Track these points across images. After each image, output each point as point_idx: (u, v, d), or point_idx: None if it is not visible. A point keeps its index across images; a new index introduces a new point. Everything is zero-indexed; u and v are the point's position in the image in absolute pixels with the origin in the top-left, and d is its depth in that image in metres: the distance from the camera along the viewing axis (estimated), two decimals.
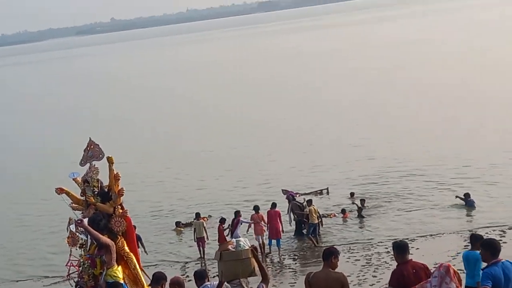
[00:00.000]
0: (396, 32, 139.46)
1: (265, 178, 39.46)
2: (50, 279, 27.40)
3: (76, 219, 11.94)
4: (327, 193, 34.94)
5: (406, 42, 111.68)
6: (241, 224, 26.35)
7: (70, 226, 11.95)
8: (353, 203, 31.78)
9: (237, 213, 26.91)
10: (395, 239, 25.27)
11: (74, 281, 12.33)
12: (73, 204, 12.73)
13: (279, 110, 62.76)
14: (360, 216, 30.02)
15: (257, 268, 10.75)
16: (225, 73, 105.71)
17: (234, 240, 11.56)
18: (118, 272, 11.73)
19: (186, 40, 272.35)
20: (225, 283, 10.60)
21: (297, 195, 31.70)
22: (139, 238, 25.88)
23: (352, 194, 33.89)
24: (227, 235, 26.53)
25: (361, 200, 32.13)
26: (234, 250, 10.77)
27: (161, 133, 59.88)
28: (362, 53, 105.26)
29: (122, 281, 11.69)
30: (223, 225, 27.04)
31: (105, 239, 11.67)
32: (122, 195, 12.45)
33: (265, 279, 10.78)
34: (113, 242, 11.77)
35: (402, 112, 54.64)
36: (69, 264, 12.37)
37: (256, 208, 27.21)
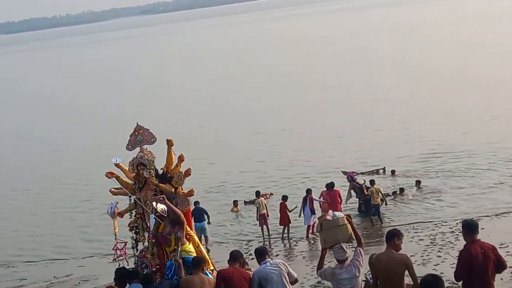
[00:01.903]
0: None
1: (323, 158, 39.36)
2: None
3: (156, 198, 12.06)
4: (384, 172, 34.58)
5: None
6: (313, 202, 26.22)
7: (153, 203, 12.05)
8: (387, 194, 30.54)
9: (309, 191, 26.78)
10: (459, 218, 25.03)
11: (120, 263, 12.43)
12: (114, 189, 12.87)
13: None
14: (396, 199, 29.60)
15: (353, 234, 11.32)
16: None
17: (330, 211, 12.20)
18: (191, 247, 11.90)
19: (246, 19, 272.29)
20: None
21: (355, 175, 31.70)
22: (204, 211, 26.35)
23: (393, 172, 33.84)
24: (297, 213, 26.67)
25: (416, 181, 31.87)
26: (331, 218, 11.29)
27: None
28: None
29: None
30: (285, 203, 27.01)
31: (182, 215, 11.87)
32: (189, 175, 12.57)
33: (360, 243, 11.35)
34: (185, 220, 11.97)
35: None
36: (115, 248, 12.50)
37: (328, 186, 27.03)
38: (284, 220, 26.92)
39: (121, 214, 12.82)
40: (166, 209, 11.83)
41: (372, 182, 28.24)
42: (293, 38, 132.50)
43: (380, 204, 27.13)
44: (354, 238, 11.41)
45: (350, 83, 65.59)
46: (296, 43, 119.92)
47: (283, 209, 26.94)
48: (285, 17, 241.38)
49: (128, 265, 12.45)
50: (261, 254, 11.90)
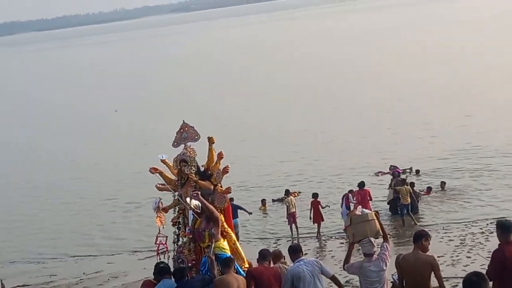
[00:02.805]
0: None
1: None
2: (145, 253, 28.07)
3: (190, 193, 12.16)
4: (410, 172, 34.27)
5: None
6: (348, 199, 26.11)
7: (187, 199, 12.18)
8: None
9: (351, 192, 26.67)
10: (490, 219, 24.84)
11: (162, 258, 12.57)
12: (159, 185, 13.04)
13: None
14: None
15: (380, 230, 11.58)
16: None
17: (359, 207, 13.26)
18: (225, 244, 11.98)
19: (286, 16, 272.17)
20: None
21: (380, 174, 31.72)
22: (239, 207, 26.53)
23: (417, 172, 33.65)
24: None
25: (441, 182, 31.68)
26: (361, 214, 11.59)
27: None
28: None
29: (229, 254, 11.89)
30: (318, 200, 26.95)
31: (216, 212, 11.97)
32: (227, 172, 12.65)
33: (386, 239, 11.65)
34: (219, 217, 12.06)
35: None
36: (158, 242, 12.66)
37: (359, 185, 26.93)
38: (318, 218, 26.88)
39: (165, 210, 12.97)
40: (200, 205, 11.94)
41: (403, 181, 28.09)
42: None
43: (413, 202, 26.85)
44: (381, 233, 11.62)
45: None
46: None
47: (316, 206, 26.87)
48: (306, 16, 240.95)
49: (169, 258, 12.57)
50: (295, 251, 11.98)
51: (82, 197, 40.70)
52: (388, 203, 28.54)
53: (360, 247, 11.63)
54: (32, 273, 25.48)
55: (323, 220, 26.95)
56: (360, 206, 13.40)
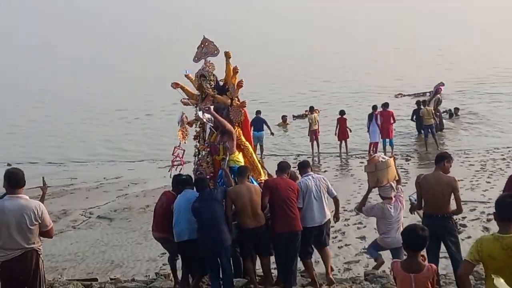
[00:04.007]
0: None
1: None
2: (165, 162, 28.33)
3: (202, 107, 12.17)
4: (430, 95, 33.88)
5: None
6: (377, 119, 25.98)
7: (199, 113, 12.14)
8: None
9: (375, 108, 26.49)
10: None
11: (176, 171, 12.63)
12: (184, 99, 13.00)
13: None
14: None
15: (397, 174, 12.04)
16: None
17: (378, 153, 13.51)
18: (240, 157, 12.00)
19: None
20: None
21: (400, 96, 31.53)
22: (264, 121, 26.60)
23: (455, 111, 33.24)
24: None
25: (455, 108, 31.44)
26: (384, 160, 11.84)
27: None
28: None
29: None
30: (343, 117, 26.89)
31: (229, 125, 11.95)
32: (241, 87, 12.56)
33: (400, 181, 12.16)
34: (233, 130, 12.04)
35: None
36: (175, 154, 12.66)
37: (382, 105, 26.71)
38: (344, 135, 26.85)
39: (190, 124, 12.93)
40: (212, 119, 11.92)
41: (424, 103, 27.86)
42: None
43: (434, 124, 26.65)
44: (397, 177, 12.03)
45: None
46: None
47: (343, 123, 26.82)
48: None
49: (181, 170, 12.62)
50: (304, 166, 12.16)
51: (101, 107, 41.08)
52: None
53: (379, 192, 11.88)
54: (52, 175, 25.72)
55: (348, 137, 26.90)
56: (378, 153, 13.75)
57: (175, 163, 12.76)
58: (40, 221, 8.14)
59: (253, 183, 11.59)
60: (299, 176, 12.24)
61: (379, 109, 26.26)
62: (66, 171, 28.17)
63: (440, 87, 31.09)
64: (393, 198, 11.68)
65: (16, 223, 8.03)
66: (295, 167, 13.08)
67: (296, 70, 50.18)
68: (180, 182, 11.88)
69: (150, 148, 31.62)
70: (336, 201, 12.09)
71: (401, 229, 11.32)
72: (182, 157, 12.69)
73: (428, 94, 33.89)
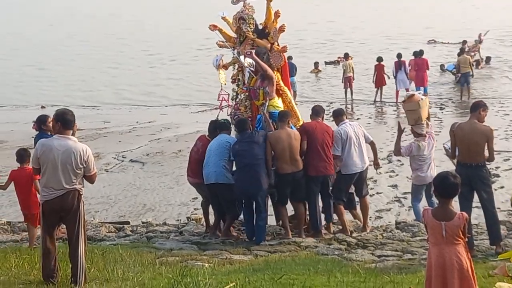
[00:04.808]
0: None
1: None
2: (198, 107, 28.39)
3: (243, 52, 12.09)
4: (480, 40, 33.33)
5: None
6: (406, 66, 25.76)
7: (241, 57, 12.05)
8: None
9: (400, 56, 26.24)
10: None
11: (225, 114, 12.64)
12: (220, 42, 12.89)
13: None
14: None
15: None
16: None
17: (416, 92, 13.85)
18: (279, 102, 11.95)
19: None
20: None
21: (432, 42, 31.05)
22: (295, 67, 26.42)
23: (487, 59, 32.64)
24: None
25: (486, 57, 31.02)
26: (423, 99, 11.99)
27: None
28: None
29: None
30: (381, 63, 26.65)
31: (270, 70, 11.88)
32: (283, 31, 12.42)
33: (429, 118, 12.31)
34: (274, 75, 11.96)
35: None
36: (220, 98, 12.63)
37: (417, 53, 26.38)
38: (381, 82, 26.65)
39: (225, 67, 12.86)
40: (253, 63, 11.83)
41: (462, 50, 27.43)
42: None
43: (470, 73, 26.28)
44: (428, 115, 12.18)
45: None
46: None
47: (380, 70, 26.58)
48: None
49: (231, 113, 12.62)
50: (339, 114, 12.20)
51: (127, 52, 41.18)
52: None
53: (414, 130, 11.91)
54: (86, 118, 25.90)
55: (385, 84, 26.69)
56: (417, 92, 14.03)
57: (223, 107, 12.77)
58: (85, 165, 8.15)
59: (292, 128, 11.58)
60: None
61: (411, 57, 26.04)
62: (100, 114, 28.35)
63: (482, 37, 30.63)
64: (426, 135, 11.83)
65: (62, 163, 8.03)
66: (329, 114, 13.05)
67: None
68: (217, 126, 11.91)
69: (182, 93, 31.70)
70: (373, 146, 12.21)
71: (433, 166, 11.93)
72: (228, 99, 12.68)
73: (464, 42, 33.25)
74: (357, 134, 11.74)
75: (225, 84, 12.66)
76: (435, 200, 11.86)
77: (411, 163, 12.02)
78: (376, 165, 12.37)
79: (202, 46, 40.22)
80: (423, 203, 11.98)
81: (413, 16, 42.31)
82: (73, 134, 8.30)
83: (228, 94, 12.67)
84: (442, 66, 31.00)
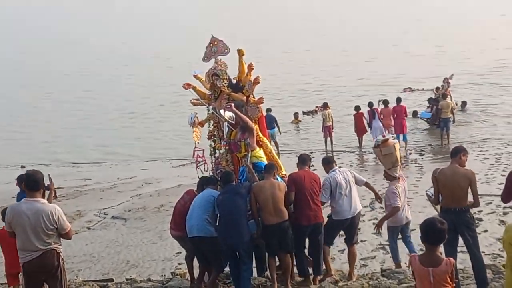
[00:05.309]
0: None
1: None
2: (178, 161, 28.36)
3: (224, 106, 12.17)
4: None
5: None
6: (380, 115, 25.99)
7: (221, 111, 12.12)
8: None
9: (371, 105, 26.46)
10: None
11: (201, 171, 12.66)
12: (194, 100, 12.99)
13: None
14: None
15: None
16: None
17: (387, 136, 13.20)
18: (261, 153, 12.00)
19: None
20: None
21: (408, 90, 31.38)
22: (274, 119, 26.71)
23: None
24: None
25: (462, 102, 31.39)
26: (396, 141, 12.35)
27: None
28: None
29: (265, 161, 11.93)
30: (359, 112, 26.87)
31: (250, 122, 11.96)
32: (258, 83, 12.54)
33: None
34: (254, 126, 12.05)
35: None
36: (195, 155, 12.69)
37: (386, 102, 26.67)
38: (362, 130, 26.85)
39: (201, 124, 12.96)
40: (233, 116, 11.91)
41: (444, 95, 27.64)
42: None
43: (450, 118, 26.48)
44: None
45: None
46: None
47: (360, 119, 26.81)
48: None
49: (207, 170, 12.63)
50: (329, 162, 12.21)
51: (112, 110, 41.27)
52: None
53: (390, 174, 12.02)
54: (67, 176, 25.82)
55: (366, 131, 26.86)
56: (391, 135, 14.35)
57: (199, 163, 12.78)
58: (57, 226, 8.15)
59: (277, 178, 11.60)
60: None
61: (392, 104, 26.34)
62: (80, 171, 28.25)
63: (449, 80, 30.92)
64: (400, 177, 12.03)
65: (33, 227, 8.08)
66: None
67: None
68: (204, 182, 11.95)
69: (162, 147, 31.70)
70: (368, 185, 12.30)
71: (407, 207, 12.23)
72: (203, 156, 12.72)
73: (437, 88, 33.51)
74: (348, 181, 11.76)
75: (199, 142, 12.71)
76: (414, 241, 12.03)
77: (387, 207, 12.07)
78: (379, 199, 12.43)
79: (174, 103, 40.56)
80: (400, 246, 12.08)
81: (384, 64, 42.91)
82: (50, 194, 8.33)
83: (203, 151, 12.73)
84: (415, 112, 31.25)
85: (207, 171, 12.62)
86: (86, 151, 32.50)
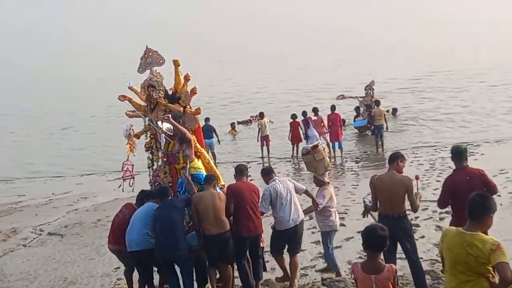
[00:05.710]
0: None
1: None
2: (114, 174, 28.07)
3: (161, 117, 12.07)
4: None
5: None
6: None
7: (158, 122, 12.01)
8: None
9: (305, 114, 26.62)
10: (460, 144, 25.01)
11: (128, 184, 12.57)
12: (130, 111, 12.88)
13: None
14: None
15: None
16: None
17: (320, 141, 13.96)
18: (200, 164, 11.94)
19: None
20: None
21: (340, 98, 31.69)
22: (213, 129, 26.71)
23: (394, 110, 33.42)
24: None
25: (393, 109, 31.89)
26: (324, 147, 12.65)
27: None
28: None
29: (204, 172, 11.88)
30: (296, 120, 27.04)
31: (188, 133, 11.90)
32: (195, 93, 12.50)
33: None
34: (191, 138, 12.00)
35: None
36: (125, 168, 12.58)
37: (315, 110, 26.90)
38: (297, 139, 26.95)
39: (137, 136, 12.85)
40: (171, 127, 11.84)
41: (377, 102, 27.92)
42: None
43: (383, 125, 26.79)
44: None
45: None
46: None
47: (296, 127, 26.95)
48: None
49: (132, 184, 12.50)
50: (268, 173, 12.16)
51: (59, 120, 40.66)
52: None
53: (319, 179, 12.36)
54: (0, 193, 25.27)
55: (302, 140, 26.96)
56: (320, 141, 14.61)
57: (126, 177, 12.65)
58: None
59: (218, 191, 11.56)
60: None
61: (327, 112, 26.58)
62: (14, 188, 27.69)
63: (372, 86, 31.27)
64: (328, 182, 12.38)
65: None
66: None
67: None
68: (145, 195, 11.85)
69: (98, 160, 31.33)
70: (307, 193, 12.25)
71: (337, 213, 12.39)
72: (131, 170, 12.59)
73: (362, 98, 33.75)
74: (288, 190, 11.74)
75: (134, 154, 12.61)
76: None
77: (319, 214, 12.14)
78: (316, 204, 12.20)
79: (105, 114, 40.17)
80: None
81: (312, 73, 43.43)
82: None
83: (133, 165, 12.65)
84: (343, 121, 31.49)
85: (132, 186, 12.54)
86: (20, 166, 31.90)
